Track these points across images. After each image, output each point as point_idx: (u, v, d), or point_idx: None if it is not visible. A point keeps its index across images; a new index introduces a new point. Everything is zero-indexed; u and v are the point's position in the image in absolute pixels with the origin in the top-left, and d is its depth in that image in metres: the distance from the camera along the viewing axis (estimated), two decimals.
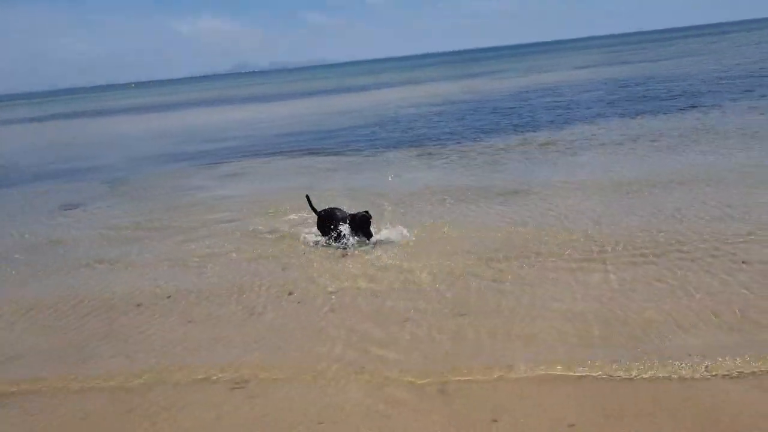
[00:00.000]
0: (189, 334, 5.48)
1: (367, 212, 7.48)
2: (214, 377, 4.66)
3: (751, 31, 76.77)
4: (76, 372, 4.96)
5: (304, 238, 7.92)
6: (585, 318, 5.00)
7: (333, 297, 5.99)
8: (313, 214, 8.00)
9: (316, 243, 7.70)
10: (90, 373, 4.92)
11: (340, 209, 7.76)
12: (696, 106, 16.28)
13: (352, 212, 7.58)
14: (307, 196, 8.18)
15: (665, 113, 15.83)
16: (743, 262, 5.75)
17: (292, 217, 9.05)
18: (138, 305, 6.30)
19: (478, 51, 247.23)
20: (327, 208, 7.88)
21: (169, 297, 6.45)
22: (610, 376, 4.15)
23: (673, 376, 4.08)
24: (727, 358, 4.19)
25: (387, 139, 16.71)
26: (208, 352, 5.11)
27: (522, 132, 15.35)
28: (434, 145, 14.76)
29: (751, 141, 11.22)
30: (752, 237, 6.38)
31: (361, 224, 7.38)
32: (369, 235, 7.37)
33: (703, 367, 4.13)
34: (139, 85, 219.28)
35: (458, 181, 10.60)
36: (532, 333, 4.84)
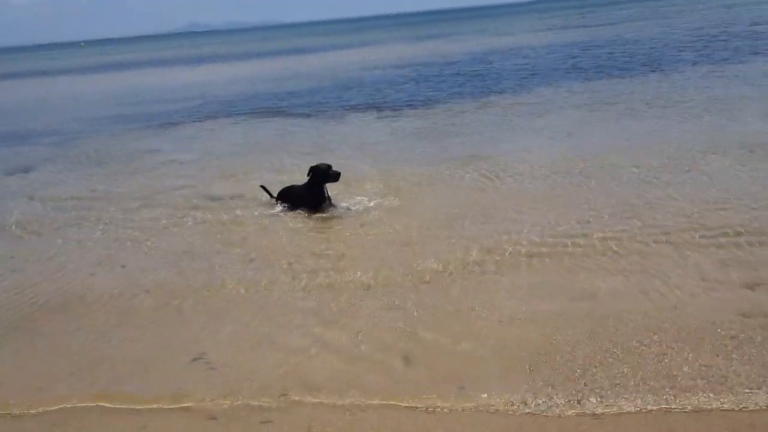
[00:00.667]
0: None
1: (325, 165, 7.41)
2: None
3: None
4: None
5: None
6: None
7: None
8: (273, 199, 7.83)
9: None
10: None
11: (294, 185, 7.66)
12: (656, 70, 16.43)
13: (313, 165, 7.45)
14: (262, 186, 8.01)
15: (629, 77, 15.90)
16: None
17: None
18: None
19: (432, 13, 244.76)
20: (281, 189, 7.74)
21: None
22: None
23: None
24: None
25: (350, 101, 16.52)
26: None
27: (487, 95, 15.33)
28: (401, 108, 14.63)
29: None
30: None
31: (325, 172, 7.29)
32: (336, 177, 7.31)
33: None
34: (90, 43, 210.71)
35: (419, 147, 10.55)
36: None
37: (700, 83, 13.74)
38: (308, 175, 7.39)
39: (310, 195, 7.40)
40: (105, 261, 6.46)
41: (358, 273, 5.54)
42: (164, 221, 7.55)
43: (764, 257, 5.11)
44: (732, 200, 6.39)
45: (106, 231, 7.41)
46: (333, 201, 7.48)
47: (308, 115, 14.99)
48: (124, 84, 31.49)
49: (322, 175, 7.32)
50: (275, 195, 7.78)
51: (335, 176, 7.35)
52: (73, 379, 4.28)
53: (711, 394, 3.49)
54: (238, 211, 7.66)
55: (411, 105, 14.91)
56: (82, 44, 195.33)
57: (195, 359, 4.37)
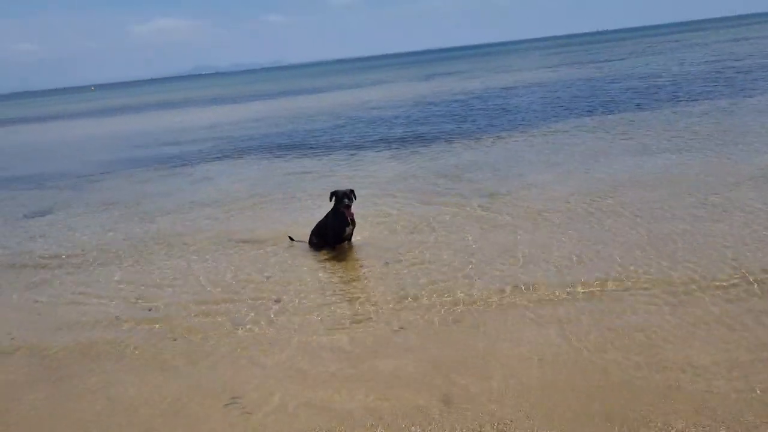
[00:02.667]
0: None
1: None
2: None
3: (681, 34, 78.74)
4: None
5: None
6: None
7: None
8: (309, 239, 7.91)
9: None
10: None
11: (322, 220, 7.76)
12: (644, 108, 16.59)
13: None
14: (290, 237, 8.09)
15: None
16: None
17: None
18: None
19: (438, 51, 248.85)
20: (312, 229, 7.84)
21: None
22: None
23: None
24: None
25: (363, 139, 16.68)
26: None
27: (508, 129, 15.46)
28: (413, 145, 14.76)
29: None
30: None
31: (341, 197, 7.41)
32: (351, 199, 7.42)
33: None
34: (100, 87, 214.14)
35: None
36: None
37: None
38: (330, 201, 7.52)
39: (333, 224, 7.50)
40: (131, 304, 6.45)
41: (387, 311, 5.51)
42: (187, 264, 7.56)
43: None
44: None
45: (129, 273, 7.42)
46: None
47: (321, 155, 15.10)
48: (135, 127, 31.90)
49: (340, 199, 7.41)
50: (306, 239, 7.85)
51: (346, 205, 7.39)
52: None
53: None
54: (260, 251, 7.68)
55: (423, 143, 15.04)
56: (92, 88, 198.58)
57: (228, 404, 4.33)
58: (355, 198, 7.51)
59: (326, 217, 7.66)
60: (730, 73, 22.75)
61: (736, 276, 5.48)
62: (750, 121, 12.80)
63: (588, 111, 17.35)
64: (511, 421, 3.78)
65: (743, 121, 12.90)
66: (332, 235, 7.56)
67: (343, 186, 7.99)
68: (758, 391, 3.81)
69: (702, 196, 8.01)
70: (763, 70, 22.41)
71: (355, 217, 7.55)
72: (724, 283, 5.37)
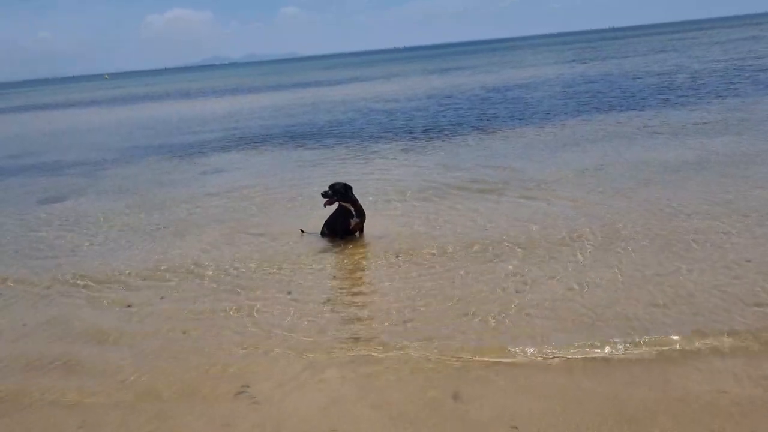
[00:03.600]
0: None
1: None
2: None
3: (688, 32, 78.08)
4: None
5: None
6: None
7: None
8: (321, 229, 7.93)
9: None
10: None
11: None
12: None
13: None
14: (301, 229, 8.10)
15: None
16: None
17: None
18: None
19: (449, 46, 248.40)
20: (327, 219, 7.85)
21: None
22: None
23: None
24: None
25: (372, 132, 16.64)
26: None
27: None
28: (425, 138, 14.71)
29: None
30: None
31: (339, 190, 7.45)
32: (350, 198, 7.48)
33: None
34: (114, 76, 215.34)
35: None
36: None
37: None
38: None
39: (339, 219, 7.57)
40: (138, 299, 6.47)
41: (396, 307, 5.50)
42: (197, 254, 7.57)
43: None
44: None
45: (141, 262, 7.45)
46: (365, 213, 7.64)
47: (335, 145, 15.10)
48: (149, 115, 31.99)
49: (340, 193, 7.45)
50: (319, 230, 7.87)
51: (326, 198, 7.46)
52: None
53: None
54: (273, 244, 7.69)
55: (436, 135, 14.99)
56: (106, 76, 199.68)
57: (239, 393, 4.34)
58: (350, 189, 7.50)
59: (337, 209, 7.66)
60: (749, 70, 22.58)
61: None
62: None
63: (609, 106, 17.29)
64: None
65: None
66: (339, 227, 7.58)
67: (344, 179, 7.90)
68: None
69: None
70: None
71: (364, 209, 7.59)
72: None
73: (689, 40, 57.52)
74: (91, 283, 6.83)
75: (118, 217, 9.74)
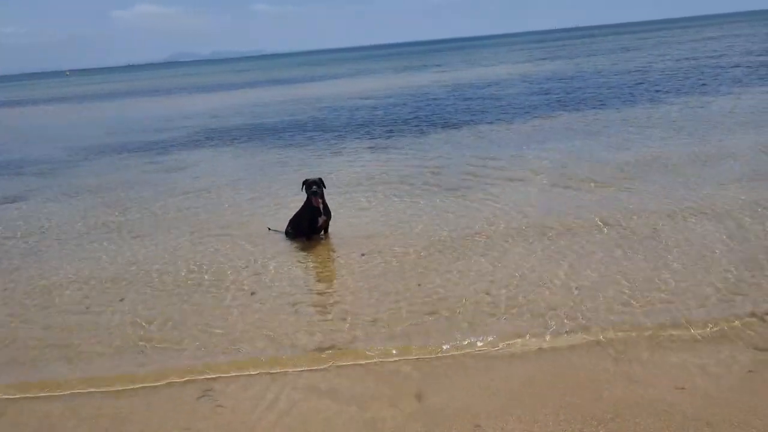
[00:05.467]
0: None
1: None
2: None
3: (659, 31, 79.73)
4: None
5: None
6: None
7: None
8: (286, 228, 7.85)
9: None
10: None
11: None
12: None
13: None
14: (270, 228, 8.04)
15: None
16: None
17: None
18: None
19: (417, 44, 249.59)
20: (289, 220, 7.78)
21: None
22: None
23: None
24: None
25: (339, 130, 16.60)
26: None
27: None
28: (393, 136, 14.72)
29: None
30: None
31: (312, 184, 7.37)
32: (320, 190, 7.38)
33: None
34: (75, 72, 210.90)
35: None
36: None
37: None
38: (302, 190, 7.47)
39: (306, 214, 7.46)
40: (98, 297, 6.34)
41: (361, 306, 5.49)
42: (161, 255, 7.45)
43: None
44: None
45: (104, 262, 7.30)
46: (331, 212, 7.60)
47: (302, 144, 15.01)
48: (112, 113, 31.45)
49: (309, 187, 7.36)
50: (284, 229, 7.80)
51: (311, 192, 7.34)
52: None
53: None
54: (238, 243, 7.60)
55: (401, 133, 15.01)
56: (67, 73, 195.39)
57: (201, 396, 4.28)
58: (324, 186, 7.46)
59: (302, 207, 7.61)
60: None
61: None
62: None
63: (579, 103, 17.56)
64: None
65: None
66: (306, 225, 7.50)
67: (315, 174, 7.91)
68: None
69: None
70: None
71: (330, 207, 7.54)
72: None
73: (654, 39, 58.78)
74: (50, 287, 6.67)
75: (79, 218, 9.52)
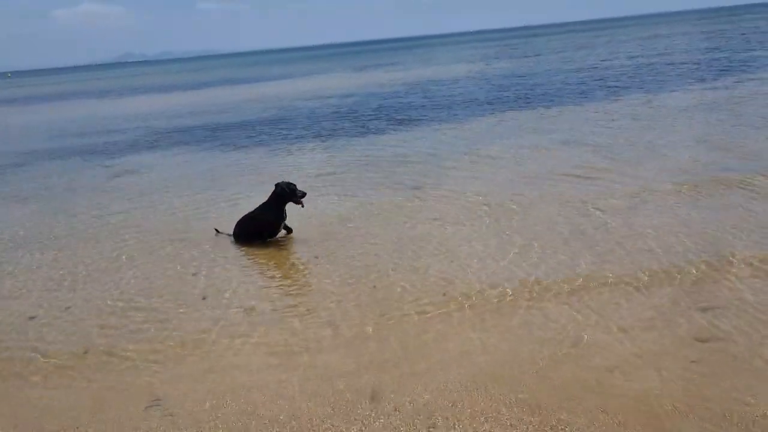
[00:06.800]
0: None
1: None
2: None
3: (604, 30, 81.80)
4: None
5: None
6: None
7: None
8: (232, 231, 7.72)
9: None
10: None
11: (248, 213, 7.58)
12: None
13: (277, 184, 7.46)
14: (216, 229, 7.91)
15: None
16: None
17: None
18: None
19: (368, 43, 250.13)
20: (237, 222, 7.63)
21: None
22: None
23: None
24: None
25: (292, 131, 16.47)
26: None
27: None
28: (343, 137, 14.67)
29: None
30: None
31: (292, 191, 7.33)
32: (302, 196, 7.37)
33: None
34: (17, 74, 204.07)
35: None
36: None
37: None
38: (274, 191, 7.33)
39: (272, 215, 7.33)
40: (46, 303, 6.13)
41: (316, 310, 5.45)
42: (106, 263, 7.25)
43: None
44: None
45: (46, 270, 7.06)
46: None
47: (252, 146, 14.83)
48: (55, 115, 30.48)
49: (289, 193, 7.28)
50: (230, 232, 7.65)
51: (301, 196, 7.35)
52: None
53: None
54: (188, 248, 7.45)
55: (349, 134, 14.99)
56: (8, 75, 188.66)
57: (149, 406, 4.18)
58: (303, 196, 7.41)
59: (261, 208, 7.44)
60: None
61: None
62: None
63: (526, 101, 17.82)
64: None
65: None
66: (272, 228, 7.39)
67: (258, 178, 7.85)
68: None
69: None
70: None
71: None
72: None
73: (604, 37, 60.16)
74: None
75: (18, 227, 9.19)
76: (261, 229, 7.42)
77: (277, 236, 7.51)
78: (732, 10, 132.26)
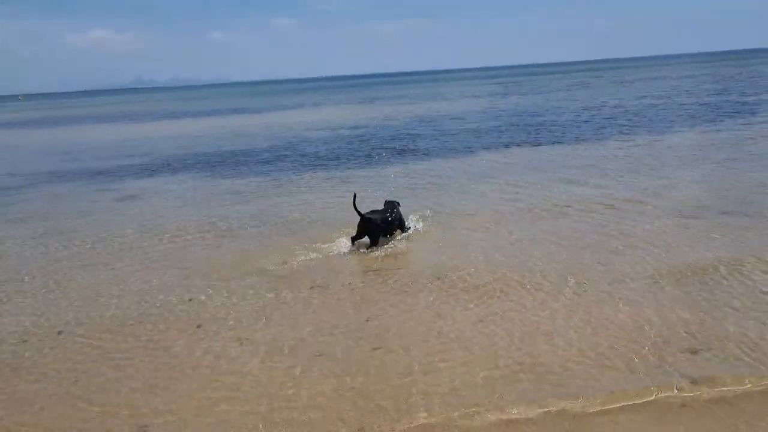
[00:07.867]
0: None
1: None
2: None
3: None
4: None
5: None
6: None
7: None
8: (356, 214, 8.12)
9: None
10: None
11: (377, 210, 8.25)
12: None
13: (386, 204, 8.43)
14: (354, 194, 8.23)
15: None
16: None
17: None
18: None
19: (379, 76, 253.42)
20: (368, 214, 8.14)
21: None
22: None
23: None
24: None
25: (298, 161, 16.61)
26: None
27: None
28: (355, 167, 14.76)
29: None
30: None
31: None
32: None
33: None
34: (30, 97, 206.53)
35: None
36: None
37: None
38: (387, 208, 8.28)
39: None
40: (44, 323, 6.13)
41: (309, 342, 5.44)
42: (106, 287, 7.27)
43: None
44: None
45: (43, 293, 7.08)
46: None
47: (257, 173, 14.93)
48: (65, 139, 30.81)
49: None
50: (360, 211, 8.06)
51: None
52: None
53: None
54: (187, 276, 7.48)
55: (366, 163, 15.09)
56: (21, 97, 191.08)
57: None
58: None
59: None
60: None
61: None
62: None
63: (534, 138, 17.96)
64: None
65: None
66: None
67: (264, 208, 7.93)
68: None
69: None
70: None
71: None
72: None
73: (606, 78, 60.69)
74: None
75: (23, 247, 9.24)
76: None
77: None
78: (741, 54, 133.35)
